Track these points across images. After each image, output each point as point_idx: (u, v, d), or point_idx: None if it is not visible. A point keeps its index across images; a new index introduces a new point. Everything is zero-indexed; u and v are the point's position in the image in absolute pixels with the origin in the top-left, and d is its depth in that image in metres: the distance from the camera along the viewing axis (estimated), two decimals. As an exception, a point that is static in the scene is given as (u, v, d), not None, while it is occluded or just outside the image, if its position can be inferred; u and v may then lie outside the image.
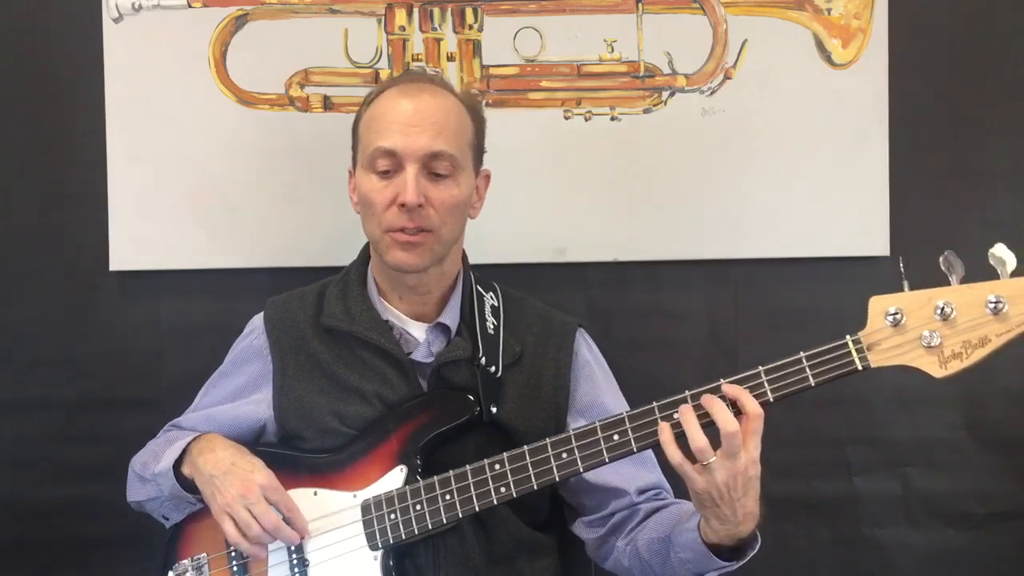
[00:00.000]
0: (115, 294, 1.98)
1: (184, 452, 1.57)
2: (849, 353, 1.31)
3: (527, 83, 1.95)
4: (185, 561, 1.58)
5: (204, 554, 1.57)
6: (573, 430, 1.42)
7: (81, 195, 1.96)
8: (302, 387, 1.59)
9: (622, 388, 1.68)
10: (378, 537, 1.47)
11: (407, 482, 1.48)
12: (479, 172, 1.60)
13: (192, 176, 1.95)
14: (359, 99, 1.60)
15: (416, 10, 1.94)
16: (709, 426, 1.32)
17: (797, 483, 1.98)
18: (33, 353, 1.99)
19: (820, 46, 1.94)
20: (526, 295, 1.70)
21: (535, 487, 1.42)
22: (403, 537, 1.46)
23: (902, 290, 1.30)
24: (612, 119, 1.95)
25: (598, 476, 1.54)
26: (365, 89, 1.70)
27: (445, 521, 1.45)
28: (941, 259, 1.28)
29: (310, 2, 1.94)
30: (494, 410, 1.52)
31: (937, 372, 1.28)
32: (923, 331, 1.28)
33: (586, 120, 1.95)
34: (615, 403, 1.63)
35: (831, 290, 1.97)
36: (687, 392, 1.35)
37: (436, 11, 1.94)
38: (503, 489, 1.43)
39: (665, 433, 1.34)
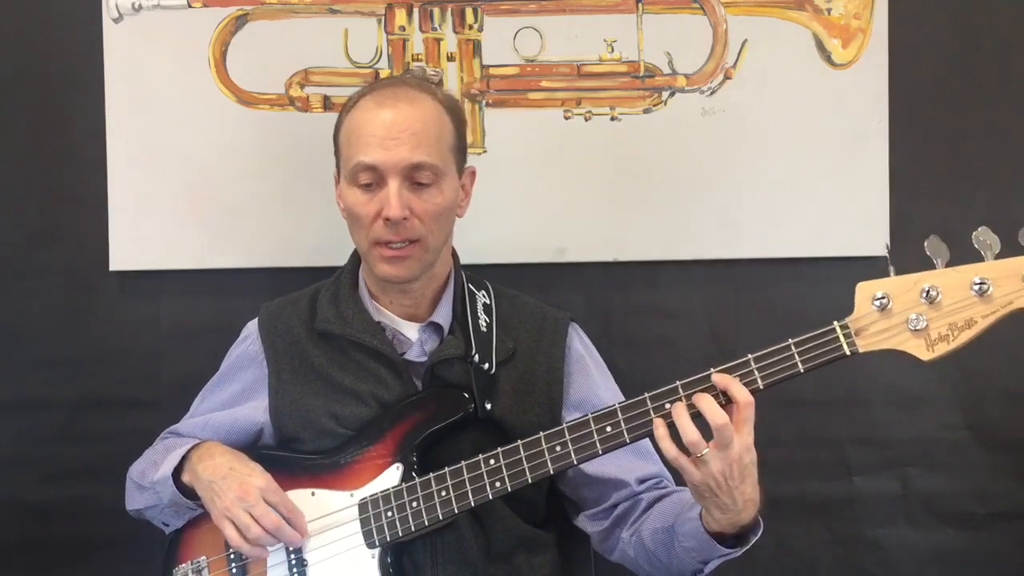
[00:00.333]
0: (115, 294, 1.98)
1: (183, 460, 1.57)
2: (837, 338, 1.32)
3: (527, 83, 1.95)
4: (185, 564, 1.59)
5: (203, 557, 1.57)
6: (566, 423, 1.42)
7: (81, 195, 1.96)
8: (298, 390, 1.60)
9: (622, 388, 1.68)
10: (375, 535, 1.48)
11: (403, 480, 1.48)
12: (463, 171, 1.60)
13: (192, 176, 1.95)
14: (341, 107, 1.60)
15: (416, 10, 1.94)
16: (701, 417, 1.33)
17: (797, 483, 1.98)
18: (33, 353, 1.99)
19: (820, 46, 1.94)
20: (518, 292, 1.70)
21: (529, 480, 1.42)
22: (400, 535, 1.47)
23: (888, 275, 1.32)
24: (612, 119, 1.95)
25: (597, 468, 1.55)
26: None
27: (441, 517, 1.45)
28: (926, 243, 1.29)
29: (310, 2, 1.94)
30: (488, 407, 1.53)
31: (924, 355, 1.29)
32: (909, 315, 1.29)
33: (586, 120, 1.95)
34: (609, 396, 1.63)
35: (831, 290, 1.95)
36: (678, 382, 1.36)
37: (436, 11, 1.94)
38: (498, 483, 1.43)
39: (660, 429, 1.35)
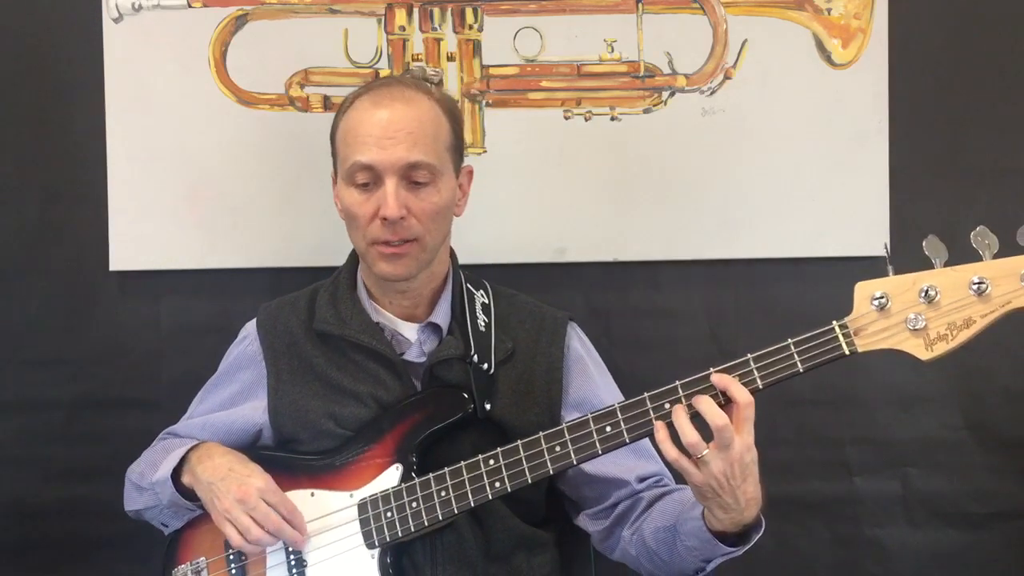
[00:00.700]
0: (115, 294, 1.98)
1: (183, 461, 1.57)
2: (836, 338, 1.32)
3: (527, 83, 1.95)
4: (184, 565, 1.59)
5: (203, 558, 1.57)
6: (566, 423, 1.42)
7: (81, 195, 1.96)
8: (296, 391, 1.60)
9: (622, 388, 1.68)
10: (375, 536, 1.48)
11: (403, 480, 1.48)
12: (460, 170, 1.60)
13: (192, 176, 1.95)
14: (337, 107, 1.60)
15: (416, 10, 1.94)
16: (701, 418, 1.33)
17: (797, 483, 1.98)
18: (33, 353, 1.99)
19: (820, 46, 1.94)
20: (516, 292, 1.70)
21: (529, 480, 1.43)
22: (400, 535, 1.47)
23: (887, 275, 1.32)
24: (612, 119, 1.95)
25: (597, 468, 1.55)
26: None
27: (441, 518, 1.45)
28: (924, 243, 1.29)
29: (310, 2, 1.94)
30: (488, 407, 1.53)
31: (923, 355, 1.30)
32: (908, 314, 1.29)
33: (586, 120, 1.95)
34: (609, 395, 1.63)
35: (831, 290, 1.95)
36: (677, 382, 1.36)
37: (436, 11, 1.94)
38: (497, 484, 1.43)
39: (660, 432, 1.35)
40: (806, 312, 1.95)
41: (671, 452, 1.33)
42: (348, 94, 1.59)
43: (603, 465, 1.53)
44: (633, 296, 1.99)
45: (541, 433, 1.42)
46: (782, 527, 1.96)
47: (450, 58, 1.95)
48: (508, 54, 1.95)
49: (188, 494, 1.56)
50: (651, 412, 1.37)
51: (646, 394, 1.38)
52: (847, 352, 1.32)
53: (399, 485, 1.48)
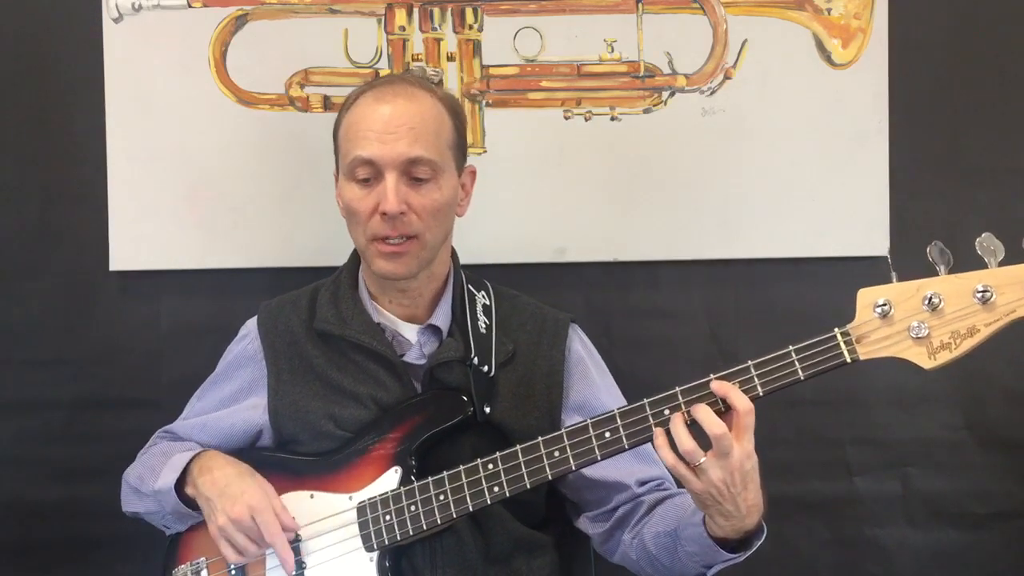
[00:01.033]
0: (115, 294, 1.98)
1: (185, 471, 1.56)
2: (838, 346, 1.31)
3: (527, 83, 1.95)
4: (184, 565, 1.59)
5: (203, 558, 1.57)
6: (565, 428, 1.42)
7: (81, 195, 1.96)
8: (296, 391, 1.59)
9: (622, 388, 1.68)
10: (374, 538, 1.47)
11: (402, 483, 1.48)
12: (463, 170, 1.59)
13: (192, 176, 1.95)
14: (340, 105, 1.60)
15: (416, 10, 1.94)
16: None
17: (797, 483, 1.98)
18: (33, 353, 1.99)
19: (820, 46, 1.94)
20: (518, 293, 1.70)
21: (528, 486, 1.42)
22: (398, 538, 1.46)
23: (891, 282, 1.31)
24: (612, 119, 1.95)
25: (598, 472, 1.54)
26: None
27: (440, 522, 1.45)
28: (928, 249, 1.28)
29: (310, 2, 1.94)
30: (488, 410, 1.52)
31: (926, 363, 1.28)
32: (911, 322, 1.28)
33: (586, 120, 1.95)
34: (610, 398, 1.63)
35: (831, 290, 1.96)
36: (677, 388, 1.36)
37: (436, 11, 1.94)
38: (496, 488, 1.43)
39: (659, 438, 1.34)
40: (806, 312, 1.96)
41: (669, 458, 1.33)
42: (351, 91, 1.58)
43: (604, 469, 1.52)
44: (633, 296, 1.99)
45: (540, 439, 1.42)
46: (782, 527, 1.96)
47: (450, 58, 1.95)
48: (508, 54, 1.95)
49: (191, 503, 1.56)
50: (650, 418, 1.36)
51: (645, 400, 1.37)
52: (848, 360, 1.31)
53: (398, 488, 1.47)
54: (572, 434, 1.40)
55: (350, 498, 1.50)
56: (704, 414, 1.31)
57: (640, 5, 1.94)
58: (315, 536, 1.50)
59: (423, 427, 1.51)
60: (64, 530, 1.99)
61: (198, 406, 1.71)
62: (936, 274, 1.28)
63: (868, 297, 1.31)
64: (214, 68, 1.95)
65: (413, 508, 1.46)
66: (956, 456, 1.99)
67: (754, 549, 1.40)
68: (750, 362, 1.34)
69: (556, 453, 1.40)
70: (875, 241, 1.95)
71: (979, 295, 1.25)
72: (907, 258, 1.95)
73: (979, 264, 1.27)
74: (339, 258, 1.69)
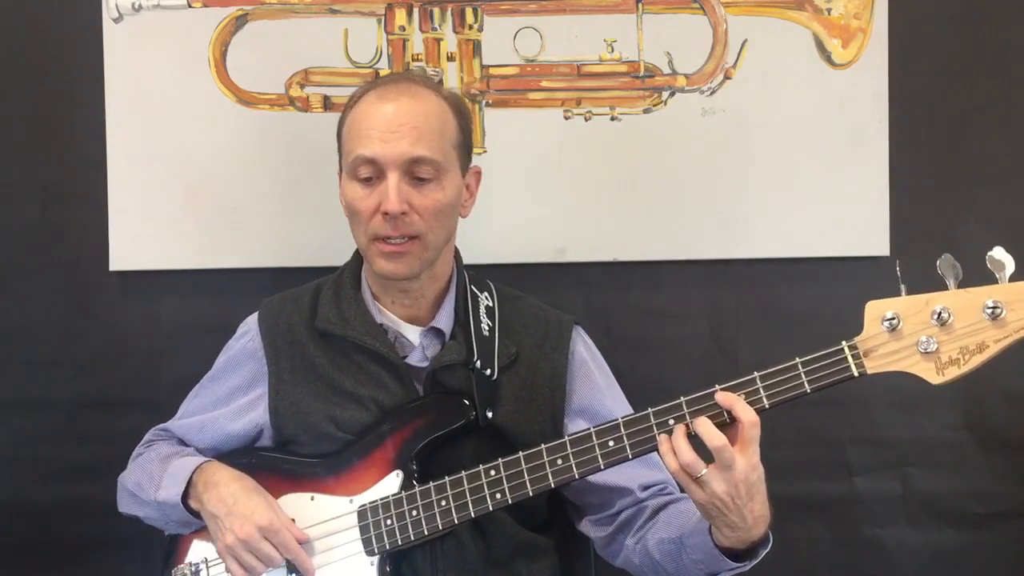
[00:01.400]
0: (115, 294, 1.98)
1: (189, 483, 1.55)
2: (845, 359, 1.29)
3: (527, 83, 1.95)
4: (183, 565, 1.58)
5: (203, 558, 1.56)
6: (568, 436, 1.41)
7: (81, 195, 1.96)
8: (297, 392, 1.58)
9: (623, 388, 1.68)
10: (374, 543, 1.47)
11: (403, 487, 1.47)
12: (468, 170, 1.58)
13: (192, 176, 1.95)
14: (344, 103, 1.59)
15: (416, 10, 1.94)
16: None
17: (797, 483, 1.98)
18: (33, 353, 1.99)
19: (820, 46, 1.94)
20: (522, 294, 1.69)
21: (530, 493, 1.41)
22: (399, 543, 1.46)
23: (899, 294, 1.29)
24: (612, 119, 1.95)
25: (601, 476, 1.51)
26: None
27: (441, 527, 1.44)
28: (939, 262, 1.26)
29: (310, 2, 1.94)
30: (490, 414, 1.51)
31: (934, 379, 1.27)
32: (920, 337, 1.26)
33: (586, 120, 1.95)
34: (613, 402, 1.62)
35: (831, 290, 1.97)
36: (682, 398, 1.35)
37: (436, 11, 1.94)
38: (498, 495, 1.42)
39: (664, 444, 1.33)
40: (806, 312, 1.96)
41: (673, 465, 1.32)
42: (356, 89, 1.58)
43: (607, 474, 1.49)
44: (633, 296, 1.99)
45: (543, 446, 1.41)
46: (782, 527, 1.95)
47: (450, 58, 1.95)
48: (508, 54, 1.95)
49: (196, 514, 1.55)
50: (655, 428, 1.35)
51: (650, 409, 1.36)
52: (856, 374, 1.29)
53: (399, 493, 1.47)
54: (575, 442, 1.39)
55: (351, 501, 1.50)
56: (704, 427, 1.30)
57: (640, 5, 1.93)
58: (316, 539, 1.50)
59: (425, 431, 1.50)
60: (64, 530, 1.99)
61: (195, 403, 1.70)
62: (945, 287, 1.26)
63: (876, 310, 1.29)
64: (214, 68, 1.95)
65: (414, 513, 1.45)
66: (956, 456, 1.99)
67: (760, 559, 1.39)
68: (756, 374, 1.33)
69: (559, 461, 1.40)
70: (875, 241, 1.95)
71: (989, 311, 1.23)
72: (906, 259, 1.95)
73: (980, 268, 1.25)
74: (339, 258, 1.69)
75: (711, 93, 1.95)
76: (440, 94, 1.54)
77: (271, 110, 1.95)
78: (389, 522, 1.46)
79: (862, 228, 1.96)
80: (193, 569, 1.56)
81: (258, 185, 1.96)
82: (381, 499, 1.47)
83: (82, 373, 1.99)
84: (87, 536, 1.98)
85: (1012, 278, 1.23)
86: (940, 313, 1.25)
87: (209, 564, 1.56)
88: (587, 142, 1.95)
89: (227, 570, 1.49)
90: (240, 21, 1.94)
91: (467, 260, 1.67)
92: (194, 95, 1.94)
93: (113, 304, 1.98)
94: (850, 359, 1.29)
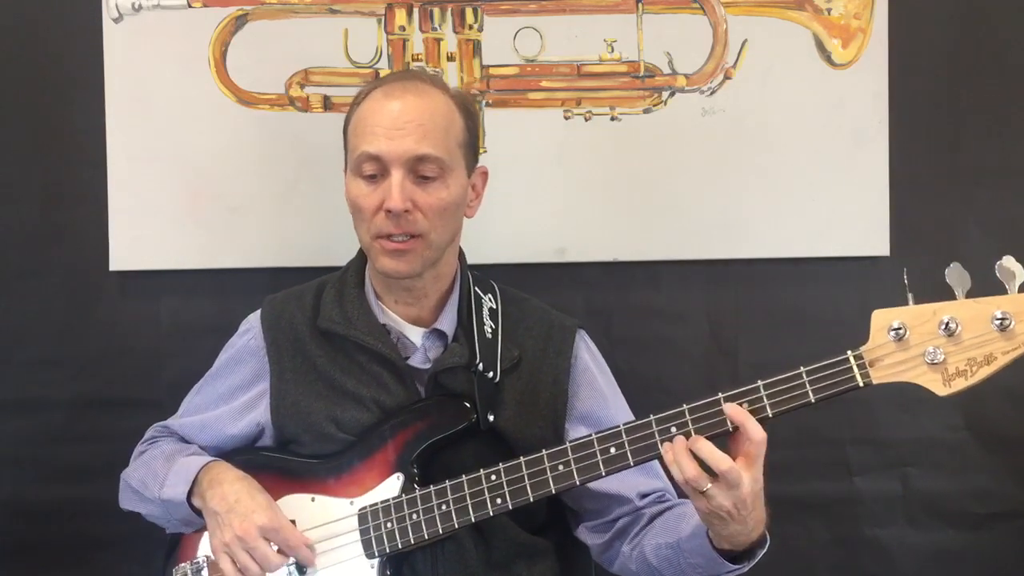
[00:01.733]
0: (115, 294, 1.98)
1: (194, 481, 1.54)
2: (850, 369, 1.28)
3: (527, 83, 1.95)
4: (184, 564, 1.58)
5: (203, 557, 1.56)
6: (570, 442, 1.40)
7: (81, 195, 1.96)
8: (299, 391, 1.58)
9: (622, 389, 1.67)
10: (375, 545, 1.46)
11: (404, 490, 1.47)
12: (474, 170, 1.57)
13: (192, 176, 1.95)
14: (351, 101, 1.59)
15: (416, 10, 1.94)
16: (718, 439, 1.31)
17: (797, 483, 1.97)
18: (33, 353, 1.99)
19: (820, 46, 1.94)
20: (527, 296, 1.68)
21: (531, 499, 1.41)
22: (399, 546, 1.45)
23: (905, 300, 1.27)
24: (612, 119, 1.95)
25: (600, 483, 1.50)
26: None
27: (441, 531, 1.44)
28: (947, 271, 1.24)
29: (310, 2, 1.94)
30: (491, 418, 1.51)
31: (940, 390, 1.25)
32: (927, 347, 1.24)
33: (586, 120, 1.95)
34: (616, 409, 1.61)
35: (831, 290, 1.97)
36: (685, 406, 1.34)
37: (436, 11, 1.94)
38: (499, 500, 1.41)
39: (667, 455, 1.32)
40: (806, 312, 1.96)
41: (678, 477, 1.31)
42: (363, 86, 1.57)
43: (606, 480, 1.48)
44: (633, 296, 1.99)
45: (544, 452, 1.40)
46: (782, 527, 1.95)
47: (450, 58, 1.95)
48: (508, 54, 1.95)
49: (198, 512, 1.54)
50: (656, 435, 1.34)
51: (652, 417, 1.35)
52: (861, 384, 1.28)
53: (400, 496, 1.46)
54: (577, 448, 1.39)
55: (351, 503, 1.49)
56: (708, 451, 1.28)
57: (640, 5, 1.93)
58: (316, 541, 1.49)
59: (426, 434, 1.49)
60: (64, 530, 1.99)
61: (196, 400, 1.70)
62: (953, 296, 1.24)
63: (882, 319, 1.27)
64: (214, 68, 1.95)
65: (415, 516, 1.44)
66: (956, 456, 1.99)
67: (757, 559, 1.39)
68: (760, 382, 1.31)
69: (560, 467, 1.39)
70: (875, 241, 1.95)
71: (997, 322, 1.21)
72: (906, 258, 1.96)
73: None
74: (338, 258, 1.69)
75: (711, 93, 1.95)
76: (447, 93, 1.53)
77: (271, 110, 1.95)
78: (389, 525, 1.46)
79: (862, 228, 1.96)
80: (195, 567, 1.56)
81: (258, 185, 1.96)
82: (382, 502, 1.47)
83: (82, 373, 1.99)
84: (87, 536, 1.98)
85: (1022, 288, 1.21)
86: (948, 323, 1.23)
87: (211, 562, 1.55)
88: (587, 142, 1.95)
89: (220, 569, 1.48)
90: (240, 21, 1.94)
91: (467, 260, 1.67)
92: (194, 95, 1.94)
93: (113, 304, 1.98)
94: (855, 369, 1.27)
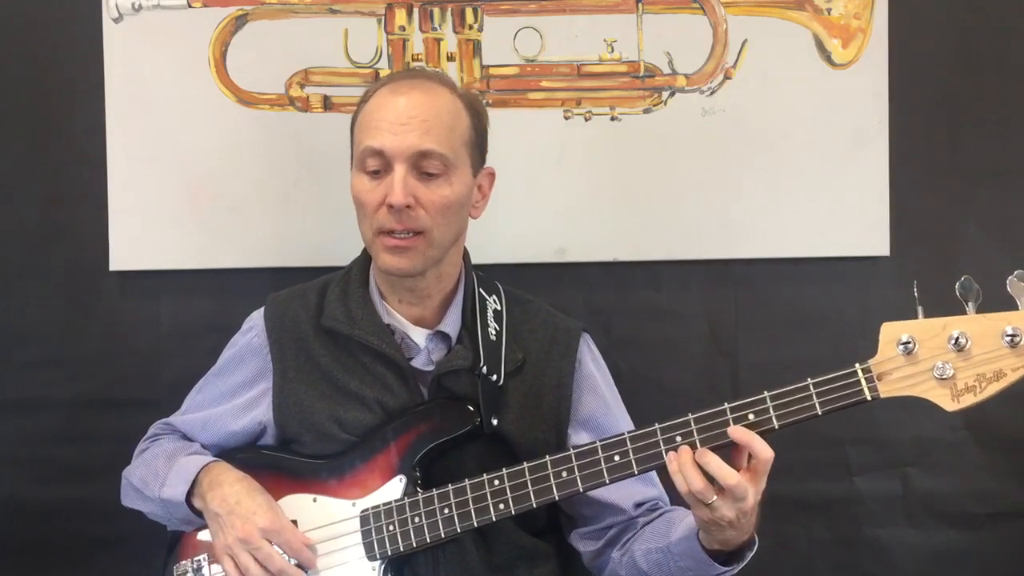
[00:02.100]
0: (115, 294, 1.98)
1: (195, 481, 1.54)
2: (858, 382, 1.27)
3: (527, 83, 1.95)
4: (185, 562, 1.58)
5: (204, 555, 1.56)
6: (574, 448, 1.40)
7: (81, 195, 1.96)
8: (302, 390, 1.57)
9: (622, 388, 1.67)
10: (376, 548, 1.46)
11: (406, 493, 1.46)
12: (480, 170, 1.57)
13: (192, 176, 1.95)
14: (359, 99, 1.59)
15: (416, 10, 1.94)
16: (722, 448, 1.31)
17: (797, 483, 1.97)
18: (33, 353, 1.99)
19: (820, 46, 1.94)
20: (531, 298, 1.67)
21: (534, 505, 1.40)
22: (401, 549, 1.45)
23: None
24: (612, 119, 1.95)
25: (599, 490, 1.48)
26: (365, 89, 1.70)
27: (444, 536, 1.43)
28: (957, 285, 1.23)
29: (310, 2, 1.94)
30: (495, 422, 1.50)
31: (949, 405, 1.24)
32: (936, 362, 1.23)
33: (586, 120, 1.95)
34: (617, 415, 1.62)
35: (831, 290, 1.97)
36: (690, 415, 1.33)
37: (436, 11, 1.94)
38: (501, 505, 1.41)
39: (672, 464, 1.32)
40: (806, 312, 1.96)
41: (681, 487, 1.31)
42: (372, 84, 1.57)
43: (603, 489, 1.47)
44: (633, 296, 1.99)
45: (548, 458, 1.40)
46: (782, 527, 1.96)
47: (450, 58, 1.95)
48: (508, 54, 1.95)
49: (199, 513, 1.54)
50: (661, 444, 1.34)
51: (657, 425, 1.35)
52: (868, 398, 1.27)
53: (402, 499, 1.46)
54: (580, 455, 1.38)
55: (353, 505, 1.49)
56: (716, 465, 1.28)
57: (640, 5, 1.94)
58: (317, 543, 1.49)
59: (429, 436, 1.49)
60: (64, 530, 1.99)
61: (198, 399, 1.69)
62: (963, 311, 1.23)
63: (891, 332, 1.26)
64: (214, 68, 1.95)
65: (417, 520, 1.44)
66: (956, 456, 1.99)
67: (746, 561, 1.39)
68: (766, 393, 1.31)
69: (564, 473, 1.39)
70: (875, 241, 1.95)
71: (1008, 338, 1.20)
72: (907, 258, 1.95)
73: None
74: (339, 258, 1.69)
75: (711, 93, 1.95)
76: (455, 92, 1.53)
77: (271, 110, 1.95)
78: (391, 528, 1.45)
79: (862, 228, 1.96)
80: (195, 565, 1.56)
81: (258, 185, 1.96)
82: (384, 504, 1.47)
83: (82, 373, 1.99)
84: (87, 536, 1.98)
85: None
86: (957, 338, 1.22)
87: (211, 561, 1.55)
88: (587, 142, 1.95)
89: (223, 571, 1.48)
90: (240, 21, 1.94)
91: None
92: (194, 95, 1.94)
93: (113, 304, 1.98)
94: (863, 382, 1.27)
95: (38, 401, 1.99)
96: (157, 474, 1.58)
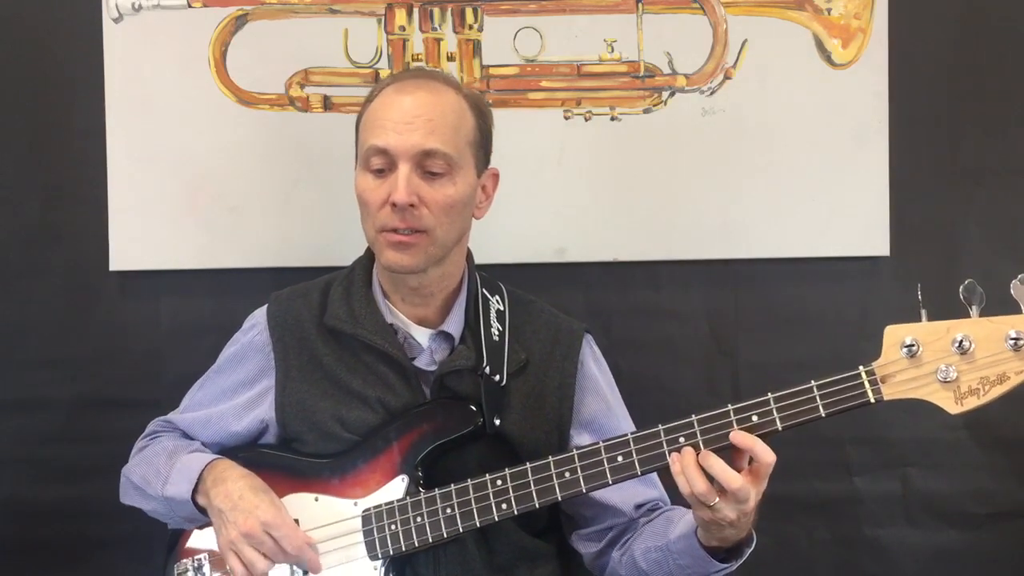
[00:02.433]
0: (115, 294, 1.98)
1: (199, 480, 1.54)
2: (862, 384, 1.27)
3: (527, 83, 1.95)
4: (186, 561, 1.58)
5: (205, 554, 1.56)
6: (576, 449, 1.40)
7: (81, 195, 1.96)
8: (304, 389, 1.57)
9: (622, 388, 1.68)
10: (378, 547, 1.46)
11: (408, 493, 1.46)
12: (484, 171, 1.57)
13: (192, 176, 1.95)
14: (359, 99, 1.59)
15: (416, 10, 1.94)
16: (723, 449, 1.31)
17: (797, 483, 1.98)
18: (33, 353, 1.99)
19: (820, 46, 1.94)
20: (534, 298, 1.67)
21: (536, 505, 1.41)
22: (403, 549, 1.45)
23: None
24: (612, 119, 1.95)
25: (600, 491, 1.49)
26: (365, 89, 1.70)
27: (446, 535, 1.43)
28: (961, 288, 1.23)
29: (310, 2, 1.94)
30: (497, 422, 1.50)
31: (952, 408, 1.25)
32: (940, 364, 1.24)
33: (586, 120, 1.95)
34: (619, 417, 1.62)
35: (831, 290, 1.97)
36: (693, 416, 1.34)
37: (436, 11, 1.94)
38: (504, 505, 1.41)
39: (675, 466, 1.33)
40: (806, 312, 1.96)
41: (684, 488, 1.31)
42: (377, 83, 1.57)
43: (604, 490, 1.47)
44: (633, 296, 1.99)
45: (551, 458, 1.40)
46: (782, 527, 1.96)
47: (450, 58, 1.95)
48: (508, 54, 1.95)
49: (202, 510, 1.54)
50: (664, 445, 1.34)
51: (660, 426, 1.35)
52: (872, 400, 1.28)
53: (404, 499, 1.46)
54: (583, 456, 1.39)
55: (355, 504, 1.49)
56: (719, 468, 1.29)
57: (640, 5, 1.94)
58: (319, 542, 1.49)
59: (431, 436, 1.49)
60: (64, 530, 1.99)
61: (198, 396, 1.69)
62: (967, 314, 1.23)
63: (895, 335, 1.26)
64: (214, 68, 1.95)
65: (419, 519, 1.44)
66: (956, 456, 1.99)
67: (744, 557, 1.40)
68: (770, 395, 1.31)
69: (567, 474, 1.39)
70: (875, 241, 1.95)
71: (1011, 341, 1.20)
72: (907, 258, 1.95)
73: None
74: (339, 258, 1.69)
75: (711, 93, 1.95)
76: (460, 92, 1.53)
77: (271, 110, 1.95)
78: (394, 527, 1.45)
79: (862, 228, 1.96)
80: (196, 563, 1.56)
81: (258, 185, 1.96)
82: (386, 504, 1.47)
83: (82, 373, 1.99)
84: (87, 536, 1.98)
85: None
86: (961, 341, 1.22)
87: (213, 558, 1.55)
88: (587, 142, 1.95)
89: (228, 567, 1.48)
90: (240, 21, 1.94)
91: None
92: (194, 95, 1.94)
93: (113, 304, 1.98)
94: (867, 384, 1.27)
95: (38, 401, 1.99)
96: (159, 472, 1.58)
